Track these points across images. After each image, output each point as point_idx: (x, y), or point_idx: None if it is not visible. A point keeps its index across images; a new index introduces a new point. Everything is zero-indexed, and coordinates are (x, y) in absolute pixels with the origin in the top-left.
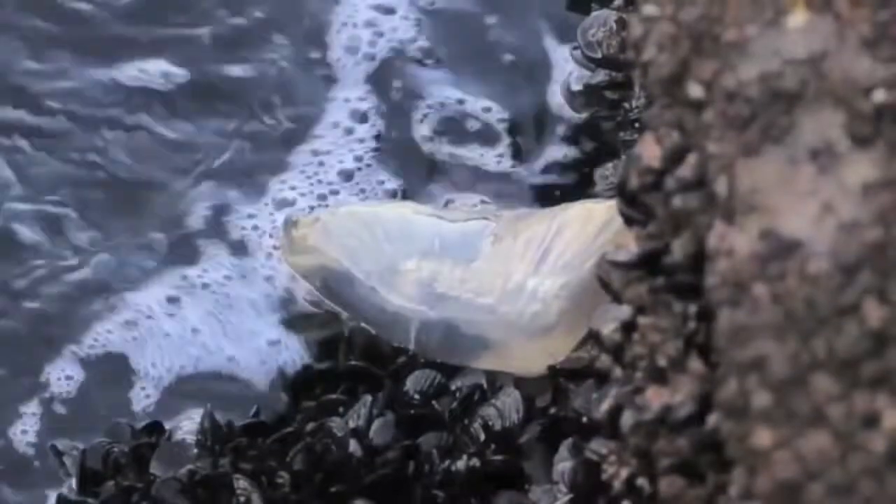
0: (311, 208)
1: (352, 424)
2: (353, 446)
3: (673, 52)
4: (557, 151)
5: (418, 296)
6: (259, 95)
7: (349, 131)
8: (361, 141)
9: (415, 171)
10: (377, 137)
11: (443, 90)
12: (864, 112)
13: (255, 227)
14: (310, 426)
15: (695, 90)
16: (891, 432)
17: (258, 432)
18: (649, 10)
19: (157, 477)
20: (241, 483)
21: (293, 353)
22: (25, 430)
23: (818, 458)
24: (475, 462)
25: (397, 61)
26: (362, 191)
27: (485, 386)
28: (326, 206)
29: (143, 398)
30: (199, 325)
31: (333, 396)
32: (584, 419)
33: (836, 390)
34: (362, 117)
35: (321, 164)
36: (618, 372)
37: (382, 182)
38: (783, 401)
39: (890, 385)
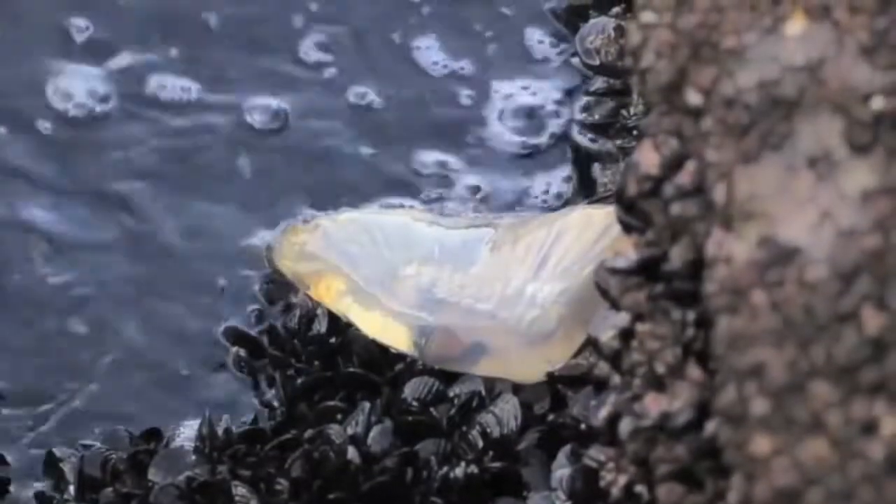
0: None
1: (350, 431)
2: (352, 453)
3: (671, 59)
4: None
5: (417, 301)
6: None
7: None
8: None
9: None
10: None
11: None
12: (863, 119)
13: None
14: (308, 433)
15: (693, 97)
16: (889, 439)
17: (257, 439)
18: (648, 17)
19: (155, 483)
20: (240, 490)
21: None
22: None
23: (817, 465)
24: (473, 469)
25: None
26: None
27: (483, 393)
28: None
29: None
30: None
31: (332, 403)
32: (583, 426)
33: (834, 397)
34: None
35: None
36: (616, 379)
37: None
38: (781, 408)
39: (888, 392)
